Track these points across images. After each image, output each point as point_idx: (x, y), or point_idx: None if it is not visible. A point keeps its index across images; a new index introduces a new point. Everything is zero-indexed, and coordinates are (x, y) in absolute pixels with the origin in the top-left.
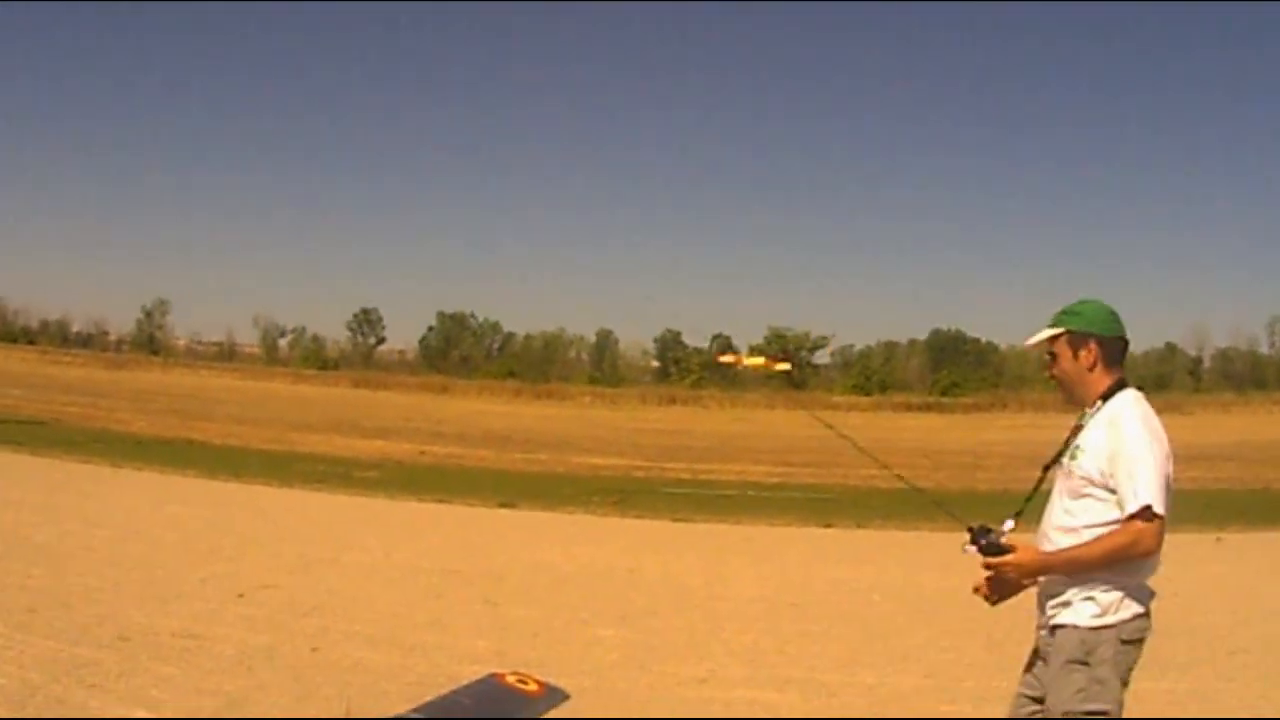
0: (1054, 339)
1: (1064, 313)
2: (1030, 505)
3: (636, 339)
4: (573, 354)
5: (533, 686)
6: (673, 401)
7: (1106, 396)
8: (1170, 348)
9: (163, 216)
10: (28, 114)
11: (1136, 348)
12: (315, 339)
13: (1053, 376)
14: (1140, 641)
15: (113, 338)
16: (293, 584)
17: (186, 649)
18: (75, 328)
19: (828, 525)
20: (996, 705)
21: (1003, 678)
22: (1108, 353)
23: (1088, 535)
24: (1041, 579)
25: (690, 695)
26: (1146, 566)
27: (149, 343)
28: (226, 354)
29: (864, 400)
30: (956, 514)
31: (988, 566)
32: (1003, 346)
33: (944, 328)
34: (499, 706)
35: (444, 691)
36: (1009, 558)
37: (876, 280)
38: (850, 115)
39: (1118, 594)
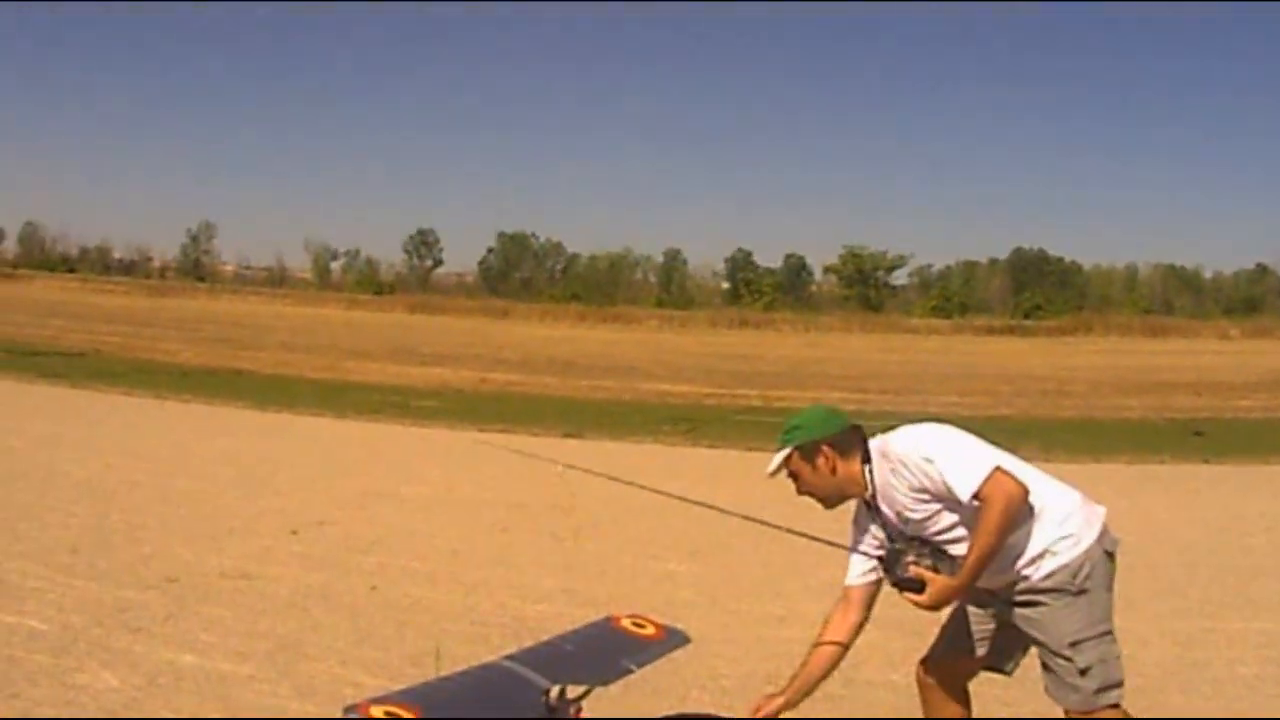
0: (786, 460)
1: (785, 432)
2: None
3: (706, 259)
4: (639, 275)
5: (650, 629)
6: (744, 325)
7: (867, 468)
8: (1261, 269)
9: (207, 135)
10: (64, 26)
11: (1225, 268)
12: (369, 262)
13: (805, 493)
14: (1115, 551)
15: (156, 264)
16: (349, 519)
17: (237, 589)
18: (117, 254)
19: None
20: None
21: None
22: (842, 447)
23: (967, 535)
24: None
25: (768, 635)
26: (1058, 501)
27: (194, 269)
28: (276, 279)
29: (943, 323)
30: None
31: (913, 603)
32: (1087, 267)
33: (1026, 247)
34: (615, 651)
35: (553, 635)
36: (922, 597)
37: (955, 197)
38: (927, 21)
39: (1075, 524)
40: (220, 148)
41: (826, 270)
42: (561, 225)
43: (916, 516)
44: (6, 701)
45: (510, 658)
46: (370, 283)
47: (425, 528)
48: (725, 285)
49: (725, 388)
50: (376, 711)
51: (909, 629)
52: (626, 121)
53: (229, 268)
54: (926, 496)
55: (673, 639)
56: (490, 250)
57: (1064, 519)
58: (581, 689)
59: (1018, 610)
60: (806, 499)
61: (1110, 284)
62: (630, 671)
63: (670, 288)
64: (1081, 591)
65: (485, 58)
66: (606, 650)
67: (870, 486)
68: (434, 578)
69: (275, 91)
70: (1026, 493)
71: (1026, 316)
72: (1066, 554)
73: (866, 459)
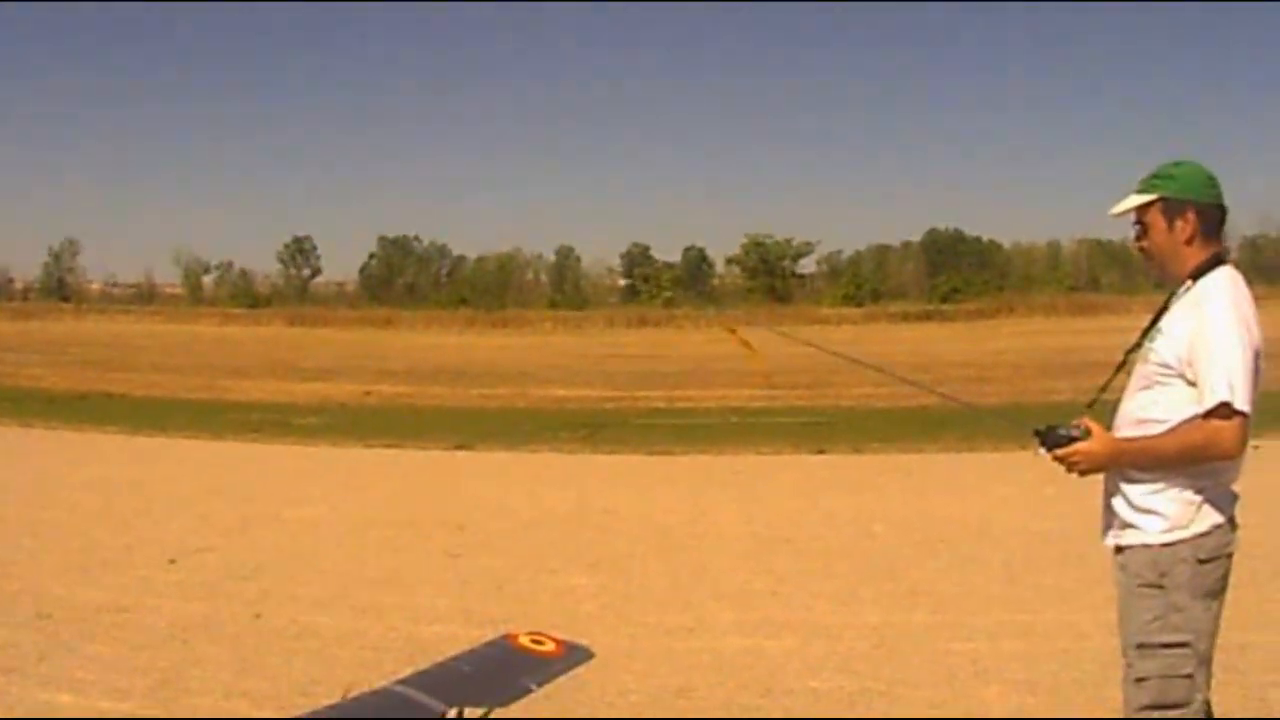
0: (1145, 207)
1: (1156, 176)
2: (1107, 397)
3: (601, 256)
4: (530, 276)
5: (550, 646)
6: (643, 323)
7: (1199, 274)
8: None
9: (65, 144)
10: None
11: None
12: (243, 274)
13: (1141, 250)
14: (1224, 558)
15: (17, 285)
16: (229, 546)
17: (114, 624)
18: None
19: (821, 451)
20: (1014, 640)
21: (1021, 611)
22: (1206, 223)
23: (1161, 431)
24: (1106, 484)
25: (677, 647)
26: (1226, 471)
27: (59, 288)
28: (145, 296)
29: (855, 311)
30: (1016, 420)
31: (1057, 460)
32: (1007, 245)
33: (941, 227)
34: (514, 670)
35: (448, 655)
36: (1078, 446)
37: (863, 177)
38: None
39: (1190, 505)
40: (80, 157)
41: (729, 262)
42: (446, 226)
43: (1160, 349)
44: None
45: (403, 682)
46: (245, 296)
47: (311, 550)
48: (622, 282)
49: (625, 390)
50: None
51: (826, 633)
52: (509, 111)
53: (95, 286)
54: (1180, 352)
55: (574, 655)
56: (371, 256)
57: (1186, 501)
58: (480, 711)
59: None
60: None
61: (1032, 262)
62: (530, 690)
63: (564, 287)
64: (1158, 587)
65: (354, 50)
66: (505, 670)
67: (1189, 286)
68: (321, 602)
69: (135, 93)
70: (1235, 455)
71: (944, 300)
72: (1153, 535)
73: (1216, 262)
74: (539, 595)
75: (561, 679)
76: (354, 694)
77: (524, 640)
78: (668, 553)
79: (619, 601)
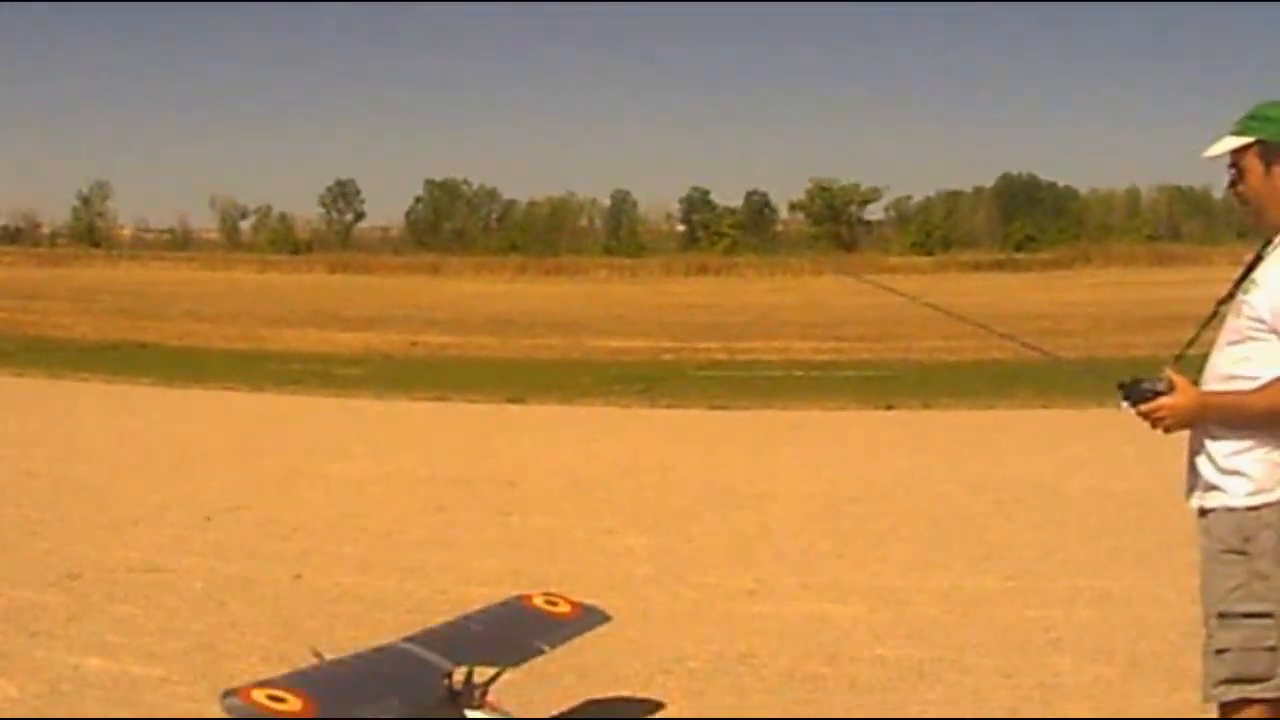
0: (1241, 150)
1: (1253, 118)
2: (1192, 353)
3: (658, 201)
4: (584, 221)
5: (564, 607)
6: (703, 271)
7: None
8: None
9: (96, 84)
10: None
11: None
12: (283, 219)
13: (1236, 195)
14: None
15: (46, 230)
16: (268, 503)
17: (147, 584)
18: (0, 221)
19: (889, 407)
20: (1090, 607)
21: (1097, 576)
22: None
23: (1251, 388)
24: (1191, 442)
25: (738, 610)
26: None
27: (89, 233)
28: (180, 242)
29: (924, 260)
30: (1098, 373)
31: (1141, 416)
32: (1084, 191)
33: (1015, 172)
34: (525, 631)
35: (457, 614)
36: (1163, 400)
37: (935, 120)
38: None
39: (1278, 466)
40: (111, 97)
41: (793, 207)
42: (496, 170)
43: (1254, 301)
44: None
45: (410, 639)
46: (285, 241)
47: (354, 509)
48: (680, 228)
49: (684, 341)
50: (259, 695)
51: (894, 598)
52: (564, 51)
53: (126, 231)
54: (1275, 306)
55: (590, 617)
56: (417, 200)
57: (1274, 464)
58: (490, 670)
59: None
60: None
61: (1110, 210)
62: (542, 651)
63: (619, 234)
64: (1241, 553)
65: None
66: (516, 630)
67: None
68: (365, 563)
69: (169, 30)
70: None
71: (1018, 249)
72: (1238, 497)
73: None
74: (593, 556)
75: (617, 645)
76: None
77: (538, 601)
78: (728, 512)
79: (677, 563)
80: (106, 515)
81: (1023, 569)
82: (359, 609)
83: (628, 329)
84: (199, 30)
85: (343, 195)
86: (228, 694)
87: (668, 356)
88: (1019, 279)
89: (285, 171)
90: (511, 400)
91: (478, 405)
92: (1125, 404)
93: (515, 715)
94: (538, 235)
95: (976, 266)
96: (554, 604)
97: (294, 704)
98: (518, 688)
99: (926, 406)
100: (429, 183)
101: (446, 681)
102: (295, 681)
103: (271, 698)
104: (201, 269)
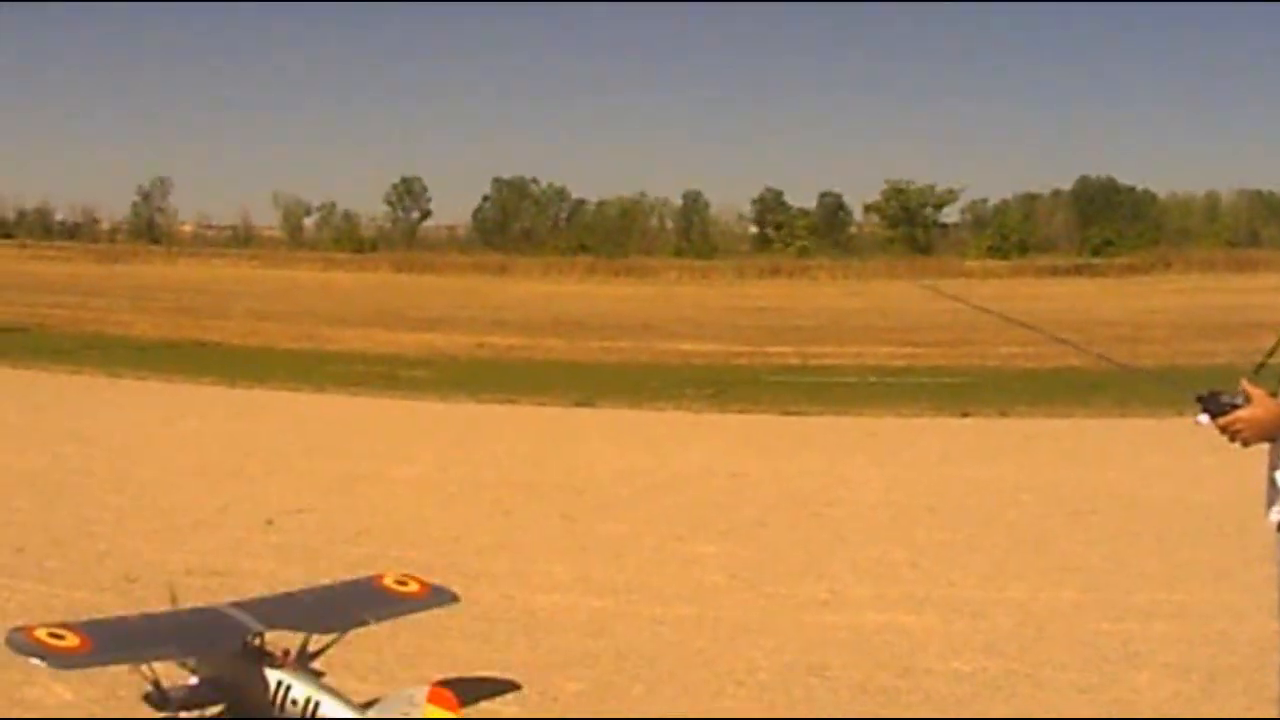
0: None
1: None
2: (1275, 362)
3: (730, 201)
4: (655, 222)
5: (413, 587)
6: (776, 274)
7: None
8: None
9: (156, 77)
10: None
11: None
12: (347, 216)
13: None
14: None
15: (105, 226)
16: (331, 506)
17: (207, 588)
18: (59, 216)
19: (964, 415)
20: (1168, 621)
21: (1175, 589)
22: None
23: None
24: (1271, 455)
25: (810, 620)
26: None
27: (148, 230)
28: (242, 239)
29: (1001, 265)
30: (1176, 384)
31: (1219, 429)
32: (1162, 195)
33: (1093, 175)
34: (358, 604)
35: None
36: (1239, 413)
37: (1011, 121)
38: None
39: None
40: (172, 91)
41: (868, 209)
42: (565, 169)
43: None
44: None
45: (235, 603)
46: (349, 240)
47: (418, 513)
48: (753, 230)
49: (756, 345)
50: (40, 633)
51: (970, 610)
52: (635, 49)
53: (187, 227)
54: None
55: (437, 597)
56: (485, 199)
57: None
58: (300, 635)
59: None
60: None
61: (1189, 214)
62: (366, 623)
63: (690, 235)
64: None
65: None
66: (348, 603)
67: None
68: (430, 568)
69: (231, 24)
70: None
71: (1095, 254)
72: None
73: None
74: (664, 563)
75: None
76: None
77: (388, 580)
78: (801, 520)
79: (749, 571)
80: (165, 517)
81: (1100, 581)
82: (424, 617)
83: (699, 332)
84: (263, 26)
85: (409, 193)
86: (15, 630)
87: (739, 360)
88: (1097, 284)
89: (350, 168)
90: (580, 403)
91: (545, 408)
92: (1204, 416)
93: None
94: (607, 235)
95: (1054, 271)
96: (403, 584)
97: (71, 641)
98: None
99: (1003, 414)
100: (497, 181)
101: (256, 641)
102: (81, 625)
103: (52, 635)
104: (264, 267)
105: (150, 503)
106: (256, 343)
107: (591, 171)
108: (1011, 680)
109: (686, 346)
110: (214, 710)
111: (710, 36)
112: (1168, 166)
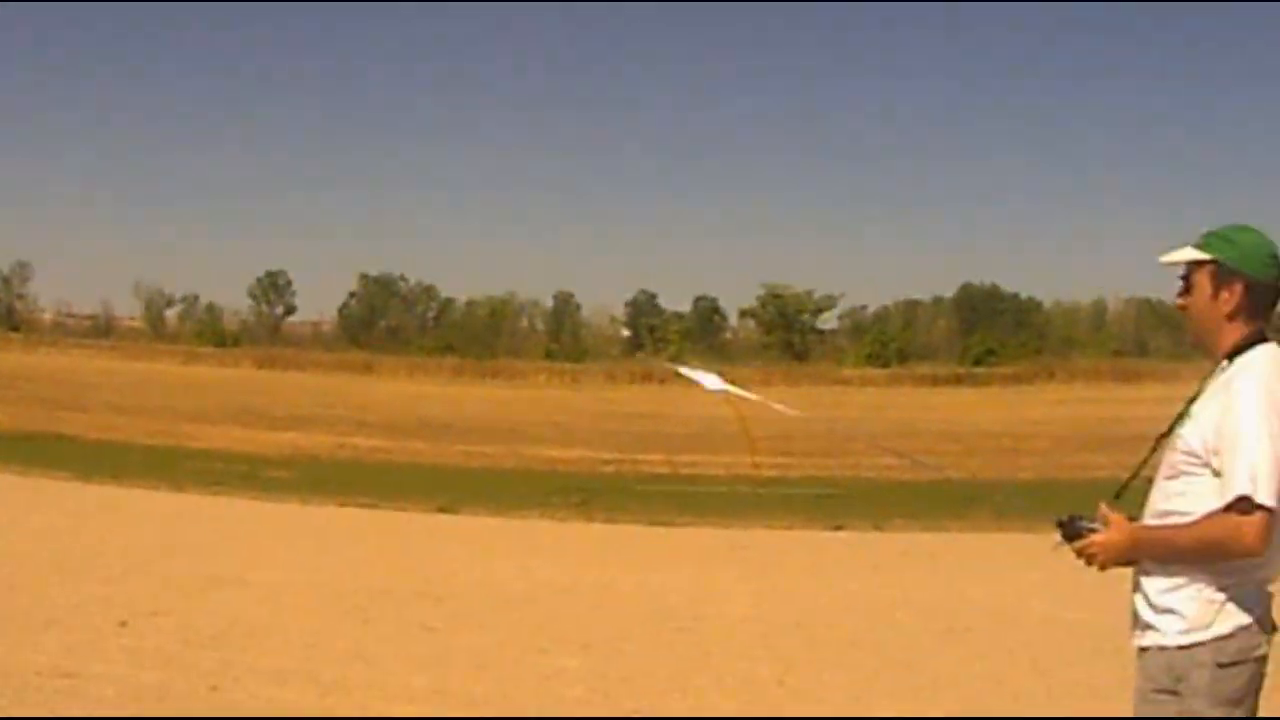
0: (1195, 265)
1: (1215, 236)
2: (1133, 488)
3: (603, 304)
4: (525, 323)
5: None
6: (648, 379)
7: (1235, 353)
8: None
9: (18, 160)
10: None
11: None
12: (210, 309)
13: (1181, 307)
14: (1250, 662)
15: None
16: (187, 609)
17: (57, 691)
18: None
19: (838, 528)
20: None
21: (1050, 709)
22: (1254, 299)
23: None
24: (1133, 578)
25: None
26: (1256, 568)
27: (6, 316)
28: (102, 329)
29: (879, 373)
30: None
31: (1077, 554)
32: (1047, 304)
33: (976, 282)
34: None
35: None
36: (1095, 537)
37: (892, 227)
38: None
39: (1211, 604)
40: (34, 175)
41: (743, 314)
42: (434, 266)
43: (1187, 434)
44: None
45: None
46: (212, 333)
47: (275, 618)
48: (626, 333)
49: (625, 452)
50: None
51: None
52: (506, 144)
53: (47, 315)
54: (1207, 439)
55: None
56: (351, 295)
57: (1207, 600)
58: None
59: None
60: None
61: (1074, 323)
62: None
63: (561, 337)
64: (1173, 693)
65: (341, 66)
66: None
67: (1225, 366)
68: (284, 676)
69: (98, 102)
70: (1257, 553)
71: (977, 363)
72: (1170, 636)
73: (1255, 340)
74: (524, 676)
75: None
76: None
77: None
78: (666, 635)
79: (612, 686)
80: (15, 617)
81: (973, 700)
82: None
83: (567, 437)
84: (130, 107)
85: (273, 287)
86: None
87: (608, 468)
88: (978, 394)
89: (214, 260)
90: (442, 510)
91: (407, 514)
92: (1061, 540)
93: None
94: (476, 336)
95: (934, 380)
96: None
97: None
98: None
99: (877, 528)
100: (363, 277)
101: None
102: None
103: None
104: (124, 359)
105: (0, 599)
106: (115, 437)
107: (461, 269)
108: None
109: (554, 452)
110: None
111: (580, 135)
112: (1053, 273)
